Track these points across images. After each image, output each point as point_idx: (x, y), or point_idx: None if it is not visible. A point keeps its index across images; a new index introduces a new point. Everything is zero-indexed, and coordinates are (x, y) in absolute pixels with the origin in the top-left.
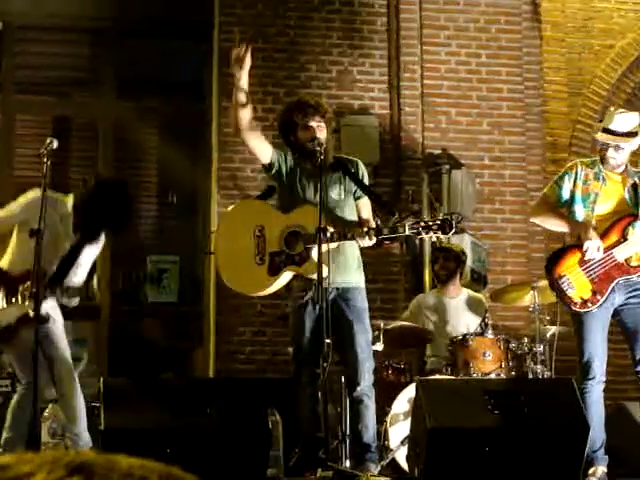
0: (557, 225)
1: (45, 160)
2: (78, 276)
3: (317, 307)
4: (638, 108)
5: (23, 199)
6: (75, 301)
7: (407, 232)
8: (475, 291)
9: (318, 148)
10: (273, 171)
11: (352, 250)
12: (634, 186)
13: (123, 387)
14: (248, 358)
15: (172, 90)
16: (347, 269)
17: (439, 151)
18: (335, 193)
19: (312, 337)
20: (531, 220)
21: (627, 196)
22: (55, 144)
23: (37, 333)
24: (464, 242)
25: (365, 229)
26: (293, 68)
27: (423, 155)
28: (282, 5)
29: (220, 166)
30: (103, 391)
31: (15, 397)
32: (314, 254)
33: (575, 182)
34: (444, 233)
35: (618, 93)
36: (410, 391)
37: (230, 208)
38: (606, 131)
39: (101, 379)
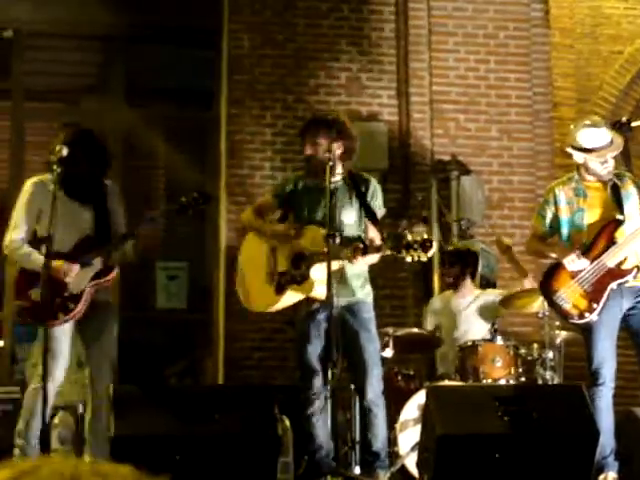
0: (549, 258)
1: (55, 167)
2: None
3: (324, 316)
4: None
5: (26, 195)
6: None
7: (388, 252)
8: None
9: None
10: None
11: (354, 269)
12: (614, 188)
13: (133, 394)
14: (257, 364)
15: (181, 97)
16: (351, 289)
17: (448, 157)
18: (347, 216)
19: (317, 345)
20: (528, 256)
21: (612, 199)
22: (65, 151)
23: (46, 335)
24: (475, 248)
25: (351, 250)
26: (302, 75)
27: (432, 161)
28: (290, 12)
29: (229, 173)
30: (112, 398)
31: (87, 415)
32: (312, 274)
33: (557, 206)
34: (425, 252)
35: (627, 99)
36: (420, 397)
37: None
38: (584, 150)
39: (110, 386)
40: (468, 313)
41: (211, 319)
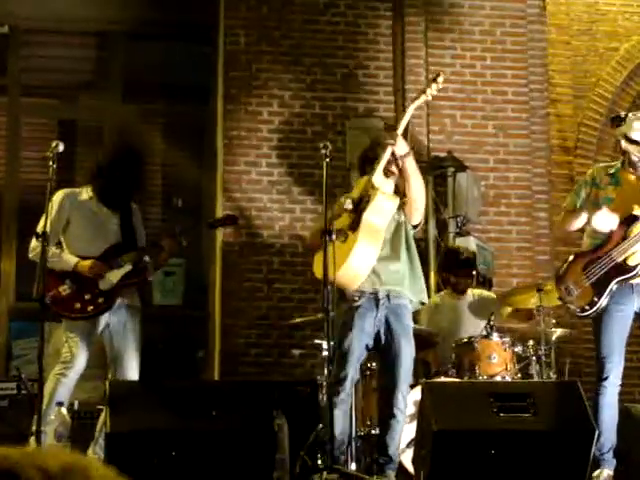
0: (578, 223)
1: (51, 163)
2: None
3: (369, 312)
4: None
5: (55, 205)
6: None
7: (413, 105)
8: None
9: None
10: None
11: (407, 260)
12: None
13: (129, 390)
14: (253, 361)
15: (177, 93)
16: (402, 281)
17: (444, 154)
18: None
19: (356, 338)
20: (559, 232)
21: None
22: (61, 147)
23: (42, 332)
24: (469, 245)
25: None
26: (298, 71)
27: (428, 158)
28: (287, 8)
29: (225, 169)
30: (109, 394)
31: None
32: (374, 180)
33: (591, 188)
34: (435, 82)
35: (623, 95)
36: (416, 394)
37: None
38: (631, 141)
39: (107, 382)
40: (466, 312)
41: (207, 315)
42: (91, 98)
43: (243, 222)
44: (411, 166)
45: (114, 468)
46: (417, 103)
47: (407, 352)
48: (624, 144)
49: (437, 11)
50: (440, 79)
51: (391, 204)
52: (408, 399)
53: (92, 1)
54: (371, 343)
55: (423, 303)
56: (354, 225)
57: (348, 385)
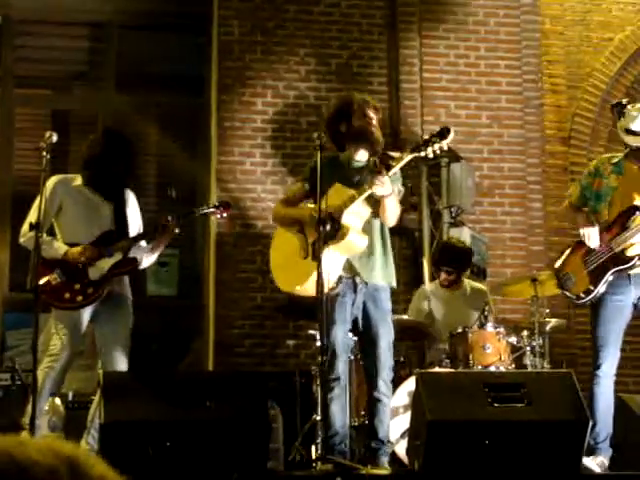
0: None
1: (44, 154)
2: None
3: (349, 299)
4: (637, 101)
5: (48, 190)
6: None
7: (410, 155)
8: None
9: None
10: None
11: (380, 248)
12: None
13: (123, 380)
14: (248, 351)
15: (171, 83)
16: (374, 267)
17: None
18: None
19: (341, 329)
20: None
21: None
22: (54, 138)
23: (36, 324)
24: (463, 235)
25: (374, 168)
26: (292, 61)
27: None
28: None
29: (219, 160)
30: (102, 384)
31: (94, 402)
32: (344, 220)
33: (595, 178)
34: (444, 138)
35: (617, 86)
36: (410, 384)
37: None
38: (629, 132)
39: (100, 372)
40: (460, 302)
41: (202, 306)
42: (85, 89)
43: (237, 212)
44: (390, 202)
45: (108, 459)
46: (418, 155)
47: (385, 337)
48: (625, 137)
49: (431, 1)
50: (450, 136)
51: (361, 241)
52: (402, 389)
53: None
54: (351, 327)
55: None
56: (317, 249)
57: (342, 379)
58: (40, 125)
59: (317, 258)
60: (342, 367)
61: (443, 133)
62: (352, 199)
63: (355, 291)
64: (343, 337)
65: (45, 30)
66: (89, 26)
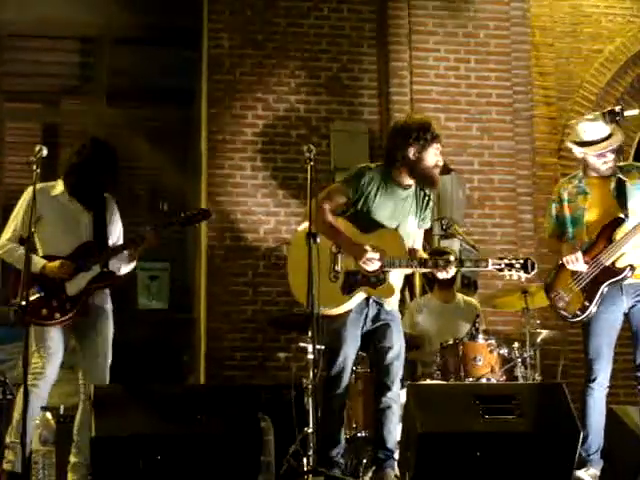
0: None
1: (34, 168)
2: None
3: (361, 316)
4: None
5: (23, 202)
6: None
7: (490, 267)
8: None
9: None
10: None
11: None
12: (619, 183)
13: (114, 394)
14: (239, 364)
15: (161, 97)
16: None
17: None
18: (411, 223)
19: (351, 347)
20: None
21: (615, 194)
22: (45, 152)
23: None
24: (454, 247)
25: (443, 261)
26: (282, 74)
27: None
28: (271, 11)
29: (210, 172)
30: (93, 398)
31: (77, 415)
32: (391, 278)
33: (561, 205)
34: (526, 273)
35: (607, 97)
36: (401, 396)
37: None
38: (582, 144)
39: (92, 386)
40: (453, 315)
41: (193, 319)
42: (75, 102)
43: (228, 225)
44: None
45: (99, 473)
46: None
47: (397, 343)
48: (578, 151)
49: (421, 13)
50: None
51: (394, 299)
52: None
53: (76, 6)
54: (360, 343)
55: None
56: (374, 281)
57: (344, 394)
58: (30, 139)
59: (310, 275)
60: (346, 382)
61: (526, 267)
62: (409, 265)
63: (367, 305)
64: (353, 355)
65: (35, 44)
66: (80, 40)
